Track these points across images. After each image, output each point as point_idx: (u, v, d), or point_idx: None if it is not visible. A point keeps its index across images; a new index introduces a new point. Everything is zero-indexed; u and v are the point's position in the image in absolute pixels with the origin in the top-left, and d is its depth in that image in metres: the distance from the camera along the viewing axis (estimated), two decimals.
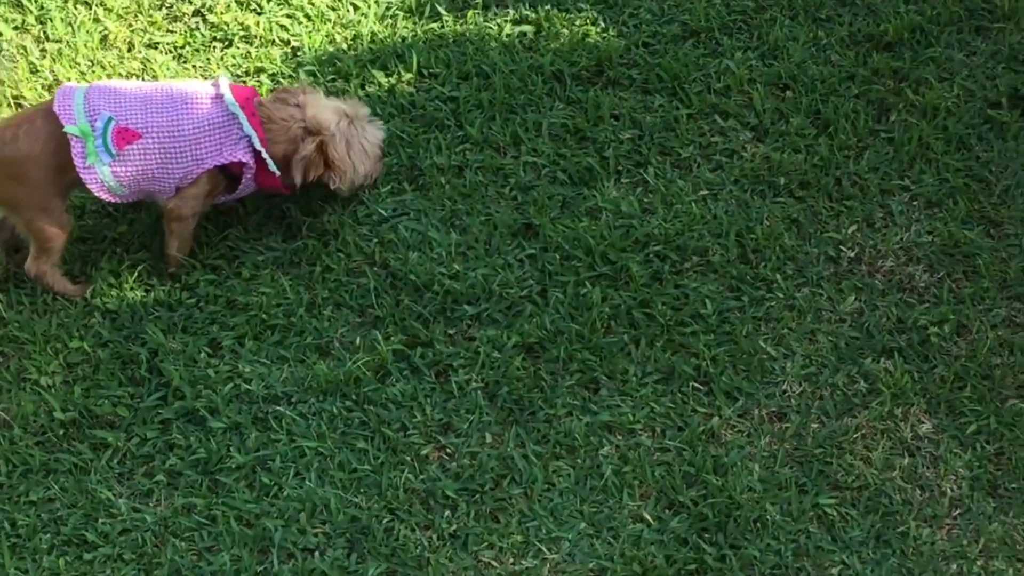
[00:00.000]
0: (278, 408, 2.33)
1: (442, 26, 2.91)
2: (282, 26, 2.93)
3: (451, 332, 2.41)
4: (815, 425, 2.26)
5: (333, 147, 2.50)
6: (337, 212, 2.59)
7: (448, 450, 2.28)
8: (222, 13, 2.96)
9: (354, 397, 2.33)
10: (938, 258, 2.46)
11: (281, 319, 2.44)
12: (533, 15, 2.94)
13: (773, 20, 2.91)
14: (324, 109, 2.52)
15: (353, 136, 2.54)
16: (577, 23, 2.92)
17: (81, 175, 2.41)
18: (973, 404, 2.24)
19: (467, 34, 2.90)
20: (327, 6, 2.97)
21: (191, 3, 2.99)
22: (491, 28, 2.92)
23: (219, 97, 2.45)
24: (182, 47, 2.91)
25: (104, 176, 2.42)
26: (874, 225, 2.54)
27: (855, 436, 2.24)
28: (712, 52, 2.87)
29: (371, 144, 2.58)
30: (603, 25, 2.92)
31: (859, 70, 2.79)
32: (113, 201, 2.48)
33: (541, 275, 2.48)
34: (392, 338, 2.39)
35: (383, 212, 2.59)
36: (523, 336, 2.38)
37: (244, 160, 2.46)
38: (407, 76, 2.82)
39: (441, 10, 2.94)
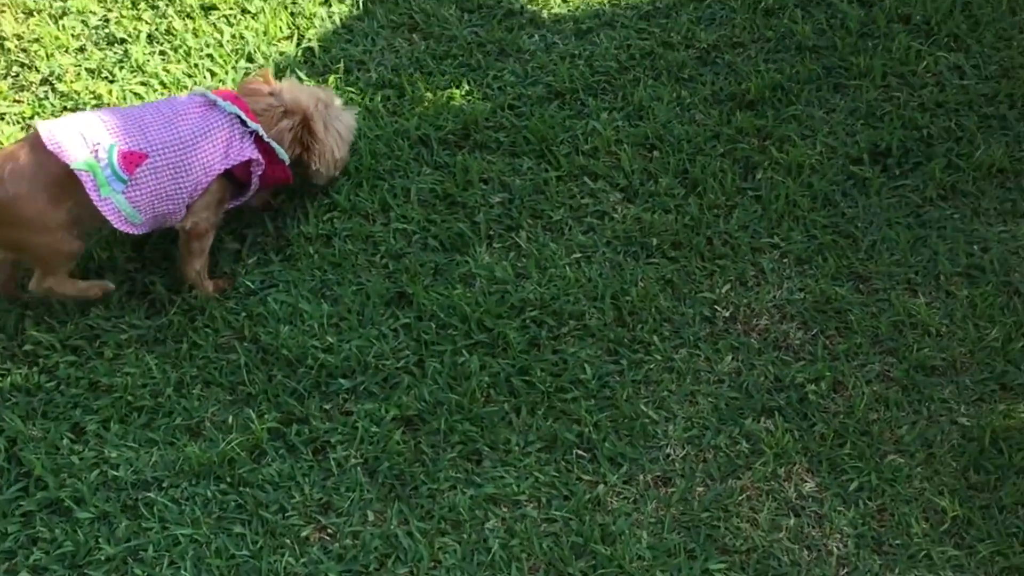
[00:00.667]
0: (148, 494, 2.27)
1: None
2: (136, 94, 2.90)
3: (327, 407, 2.40)
4: (700, 488, 2.31)
5: (315, 124, 2.59)
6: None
7: (329, 530, 2.26)
8: (72, 82, 2.91)
9: (229, 479, 2.29)
10: (811, 315, 2.55)
11: (148, 400, 2.39)
12: (396, 79, 2.97)
13: (637, 80, 3.00)
14: (301, 91, 2.61)
15: (329, 119, 2.63)
16: (441, 86, 2.96)
17: (100, 208, 2.39)
18: (854, 461, 2.32)
19: None
20: (183, 73, 2.95)
21: (38, 71, 2.94)
22: (353, 92, 2.94)
23: (211, 103, 2.49)
24: (30, 117, 2.85)
25: (121, 205, 2.41)
26: (747, 283, 2.62)
27: (740, 498, 2.30)
28: (578, 113, 2.94)
29: (345, 128, 2.68)
30: (468, 88, 2.97)
31: (724, 129, 2.89)
32: (133, 232, 2.46)
33: (417, 345, 2.49)
34: (266, 416, 2.37)
35: (251, 284, 2.57)
36: (401, 408, 2.38)
37: (254, 157, 2.51)
38: None
39: (302, 75, 2.95)
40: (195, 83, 2.92)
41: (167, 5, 3.13)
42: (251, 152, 2.51)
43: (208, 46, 3.03)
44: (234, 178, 2.54)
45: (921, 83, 2.97)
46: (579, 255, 2.66)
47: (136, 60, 2.98)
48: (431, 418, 2.38)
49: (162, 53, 3.02)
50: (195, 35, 3.05)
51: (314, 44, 3.05)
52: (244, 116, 2.50)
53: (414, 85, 2.95)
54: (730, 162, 2.83)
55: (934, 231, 2.68)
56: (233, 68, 2.96)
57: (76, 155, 2.35)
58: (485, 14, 3.15)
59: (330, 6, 3.15)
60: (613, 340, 2.51)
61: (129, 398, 2.39)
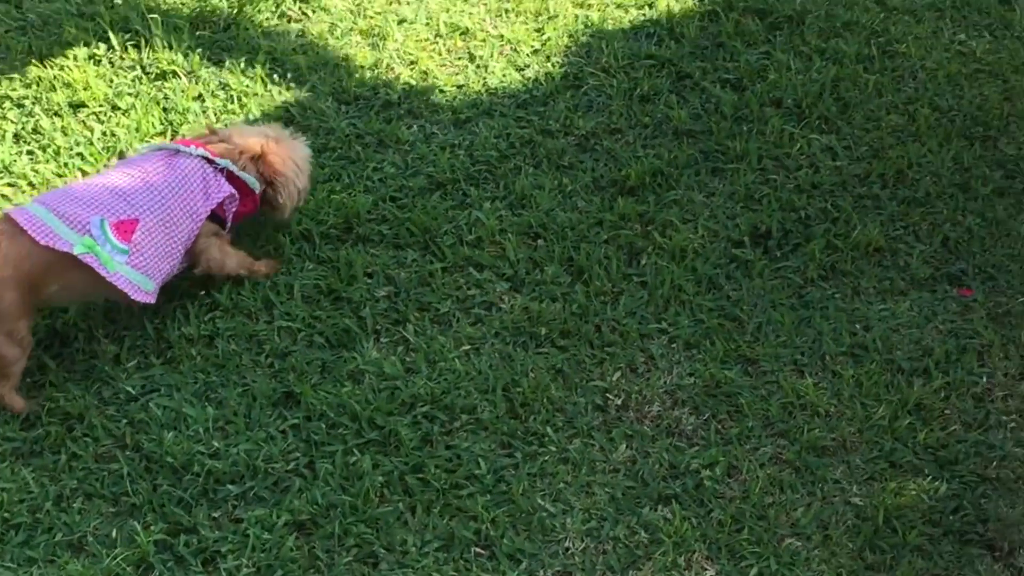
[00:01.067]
0: None
1: None
2: (3, 196, 2.84)
3: (216, 515, 2.35)
4: None
5: (272, 158, 2.66)
6: (80, 394, 2.51)
7: None
8: None
9: None
10: (702, 400, 2.60)
11: (26, 516, 2.31)
12: None
13: (518, 169, 3.05)
14: (249, 132, 2.70)
15: (284, 152, 2.70)
16: (321, 180, 2.96)
17: (115, 285, 2.42)
18: (752, 546, 2.36)
19: None
20: (52, 173, 2.90)
21: None
22: None
23: (174, 152, 2.56)
24: None
25: (131, 275, 2.44)
26: (637, 370, 2.66)
27: None
28: (461, 203, 2.97)
29: (301, 159, 2.74)
30: (348, 181, 2.98)
31: (606, 215, 2.94)
32: (149, 301, 2.49)
33: (307, 446, 2.46)
34: (152, 527, 2.31)
35: (131, 390, 2.52)
36: (293, 513, 2.35)
37: (228, 192, 2.58)
38: None
39: None
40: (65, 183, 2.88)
41: (33, 103, 3.08)
42: (228, 188, 2.59)
43: (78, 144, 2.99)
44: (213, 215, 2.61)
45: (796, 165, 3.08)
46: (468, 347, 2.67)
47: (2, 160, 2.93)
48: (324, 521, 2.35)
49: (30, 152, 2.97)
50: (64, 133, 3.01)
51: None
52: (211, 156, 2.58)
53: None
54: (614, 248, 2.88)
55: (817, 311, 2.77)
56: (105, 166, 2.92)
57: (70, 239, 2.38)
58: (362, 106, 3.18)
59: (203, 101, 3.14)
60: (506, 433, 2.52)
61: (5, 515, 2.31)
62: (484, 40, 3.36)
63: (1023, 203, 3.02)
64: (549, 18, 3.43)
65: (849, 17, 3.48)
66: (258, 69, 3.21)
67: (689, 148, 3.10)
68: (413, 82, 3.24)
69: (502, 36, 3.37)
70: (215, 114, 3.10)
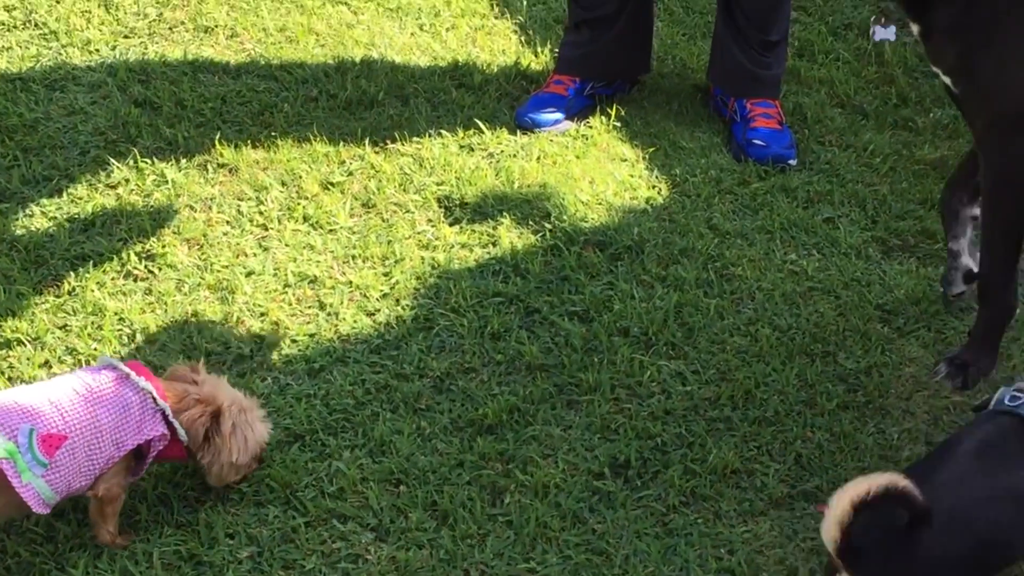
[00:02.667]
0: None
1: None
2: None
3: None
4: None
5: (223, 421, 2.68)
6: None
7: None
8: None
9: None
10: None
11: None
12: None
13: (375, 415, 3.10)
14: (221, 388, 2.75)
15: (240, 424, 2.72)
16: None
17: (22, 494, 2.43)
18: None
19: None
20: None
21: None
22: None
23: (124, 377, 2.60)
24: None
25: (41, 489, 2.46)
26: None
27: None
28: (320, 455, 2.99)
29: (254, 438, 2.76)
30: None
31: (467, 456, 3.00)
32: (45, 512, 2.52)
33: None
34: None
35: None
36: None
37: (159, 432, 2.61)
38: None
39: None
40: None
41: None
42: (160, 428, 2.63)
43: None
44: (137, 449, 2.63)
45: (648, 392, 3.20)
46: None
47: None
48: None
49: None
50: None
51: None
52: (155, 393, 2.63)
53: None
54: (477, 489, 2.93)
55: (682, 538, 2.84)
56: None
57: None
58: (214, 361, 3.21)
59: (51, 367, 3.14)
60: None
61: None
62: (333, 287, 3.45)
63: (866, 416, 3.18)
64: (396, 262, 3.54)
65: (685, 244, 3.67)
66: (106, 331, 3.23)
67: (543, 383, 3.20)
68: (264, 334, 3.30)
69: (351, 282, 3.47)
70: None
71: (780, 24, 4.22)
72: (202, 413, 2.69)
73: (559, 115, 4.18)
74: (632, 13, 4.22)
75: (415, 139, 4.02)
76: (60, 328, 3.26)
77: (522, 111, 4.18)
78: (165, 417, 2.67)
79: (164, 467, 2.87)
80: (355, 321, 3.36)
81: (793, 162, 4.10)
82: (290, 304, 3.41)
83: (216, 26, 4.51)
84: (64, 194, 3.71)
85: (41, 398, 2.54)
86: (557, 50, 4.41)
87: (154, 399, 2.64)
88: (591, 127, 4.18)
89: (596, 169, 3.97)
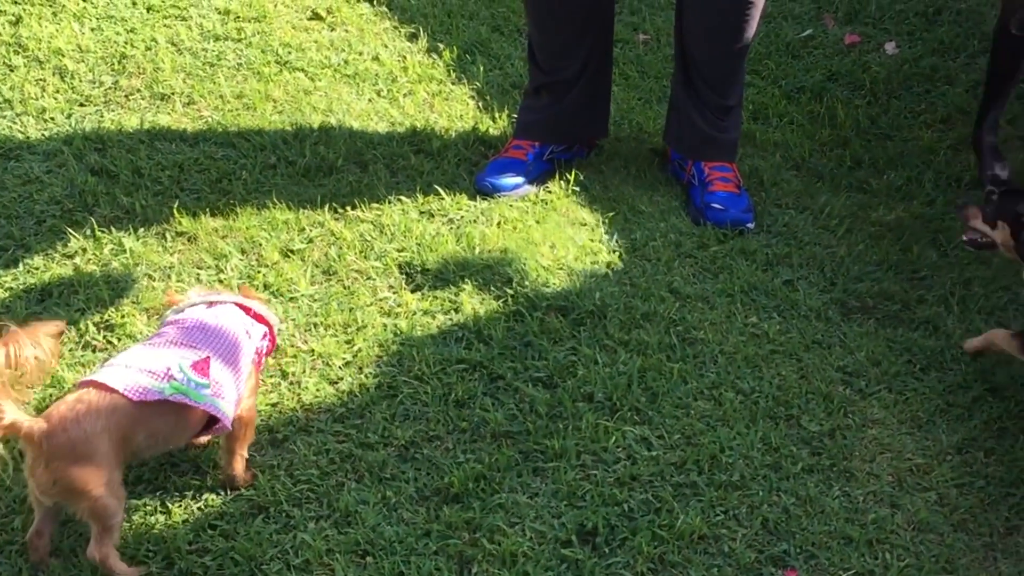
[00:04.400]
0: None
1: None
2: None
3: None
4: None
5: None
6: None
7: None
8: None
9: None
10: None
11: None
12: None
13: (341, 485, 3.09)
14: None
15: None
16: (137, 516, 2.94)
17: (209, 412, 2.87)
18: None
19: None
20: None
21: None
22: None
23: (218, 303, 3.07)
24: None
25: (221, 406, 2.88)
26: None
27: None
28: (285, 526, 2.98)
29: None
30: (166, 511, 2.96)
31: (434, 526, 3.00)
32: (229, 427, 2.94)
33: None
34: None
35: None
36: None
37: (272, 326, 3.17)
38: None
39: None
40: None
41: None
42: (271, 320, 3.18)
43: None
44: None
45: (614, 458, 3.21)
46: None
47: None
48: None
49: None
50: None
51: None
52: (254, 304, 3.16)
53: None
54: (444, 559, 2.92)
55: None
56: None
57: (160, 388, 2.78)
58: None
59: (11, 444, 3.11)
60: None
61: None
62: (295, 356, 3.45)
63: (831, 479, 3.21)
64: (358, 329, 3.55)
65: (647, 308, 3.71)
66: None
67: (508, 450, 3.21)
68: None
69: (312, 350, 3.47)
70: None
71: (736, 88, 4.30)
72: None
73: (519, 179, 4.22)
74: (591, 78, 4.29)
75: (375, 205, 4.03)
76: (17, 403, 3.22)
77: (482, 176, 4.21)
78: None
79: (127, 541, 2.85)
80: (318, 390, 3.35)
81: (751, 225, 4.16)
82: None
83: (172, 93, 4.52)
84: (20, 264, 3.70)
85: (168, 345, 2.91)
86: (516, 115, 4.46)
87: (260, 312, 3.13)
88: (550, 192, 4.22)
89: (556, 234, 4.01)
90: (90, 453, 2.69)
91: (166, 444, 2.94)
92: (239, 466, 3.03)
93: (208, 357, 2.89)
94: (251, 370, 3.05)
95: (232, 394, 2.94)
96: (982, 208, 3.63)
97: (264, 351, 3.15)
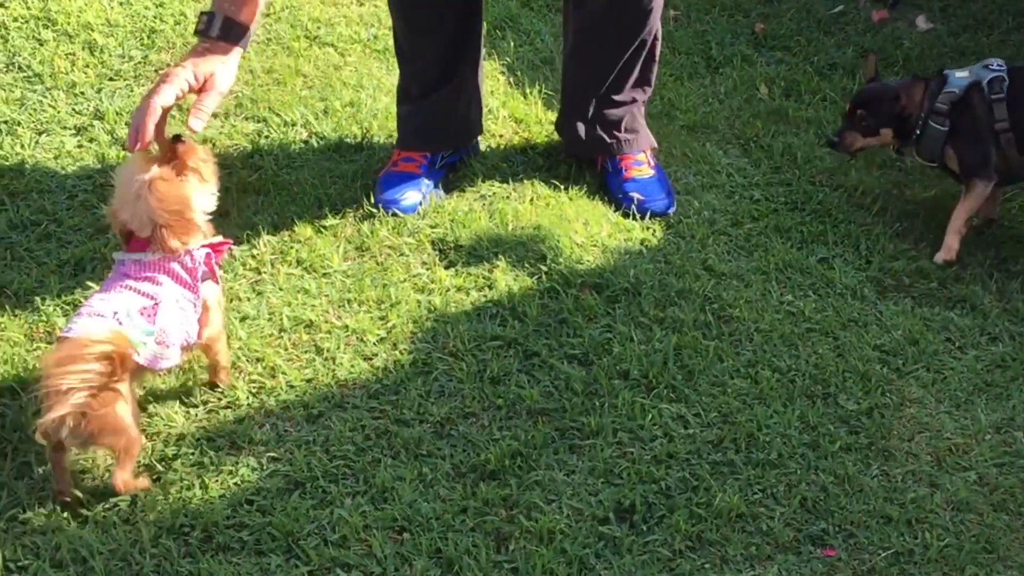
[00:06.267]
0: None
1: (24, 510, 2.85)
2: None
3: None
4: None
5: None
6: None
7: None
8: None
9: None
10: None
11: None
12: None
13: (377, 461, 3.09)
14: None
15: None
16: (175, 490, 2.94)
17: (143, 362, 2.93)
18: None
19: (54, 517, 2.85)
20: None
21: None
22: (82, 506, 2.88)
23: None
24: None
25: (157, 351, 2.96)
26: None
27: None
28: (321, 502, 2.98)
29: None
30: (203, 487, 2.96)
31: (470, 502, 2.99)
32: (170, 366, 3.07)
33: None
34: None
35: None
36: None
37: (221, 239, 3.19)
38: None
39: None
40: None
41: None
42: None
43: None
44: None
45: (651, 436, 3.20)
46: None
47: None
48: None
49: None
50: None
51: None
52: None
53: (146, 491, 2.92)
54: (482, 536, 2.92)
55: None
56: None
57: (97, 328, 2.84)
58: (211, 408, 3.19)
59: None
60: None
61: None
62: (329, 332, 3.44)
63: (870, 458, 3.20)
64: (392, 305, 3.54)
65: (682, 286, 3.69)
66: None
67: (545, 427, 3.20)
68: (261, 380, 3.28)
69: (347, 326, 3.46)
70: None
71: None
72: None
73: (419, 197, 3.96)
74: (456, 66, 4.02)
75: None
76: None
77: (378, 195, 3.95)
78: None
79: (158, 511, 2.86)
80: (352, 366, 3.35)
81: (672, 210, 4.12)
82: (286, 349, 3.39)
83: None
84: (53, 239, 3.70)
85: (118, 289, 2.97)
86: (546, 90, 4.43)
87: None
88: (583, 168, 4.20)
89: (590, 210, 3.99)
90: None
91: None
92: (223, 376, 3.24)
93: (157, 302, 2.95)
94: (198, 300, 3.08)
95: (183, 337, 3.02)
96: (854, 128, 4.16)
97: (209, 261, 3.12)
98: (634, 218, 4.00)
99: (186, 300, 3.03)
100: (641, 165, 4.14)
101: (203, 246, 3.08)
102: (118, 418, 2.80)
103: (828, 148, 4.32)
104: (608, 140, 4.12)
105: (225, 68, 3.19)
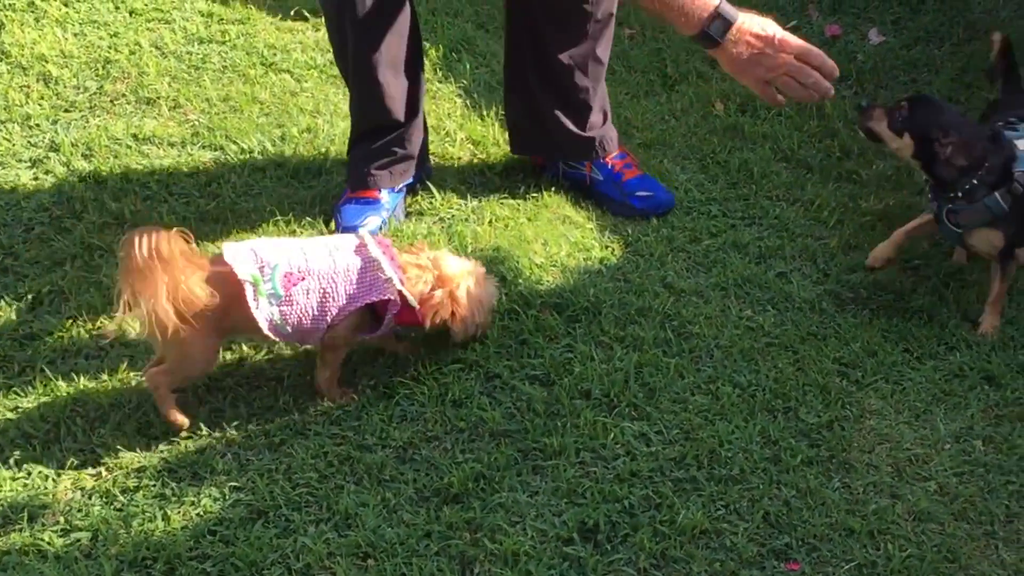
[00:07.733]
0: None
1: None
2: None
3: None
4: None
5: (458, 297, 3.26)
6: None
7: None
8: None
9: None
10: None
11: None
12: (83, 522, 2.92)
13: (340, 488, 3.08)
14: (453, 264, 3.29)
15: (474, 290, 3.30)
16: (135, 522, 2.92)
17: (254, 315, 3.06)
18: None
19: (13, 554, 2.82)
20: None
21: None
22: (42, 541, 2.86)
23: (363, 246, 3.20)
24: None
25: (273, 316, 3.09)
26: None
27: None
28: (284, 530, 2.96)
29: (488, 298, 3.36)
30: (165, 518, 2.94)
31: (434, 527, 2.99)
32: (276, 340, 3.20)
33: None
34: None
35: None
36: None
37: (392, 298, 3.18)
38: None
39: None
40: None
41: None
42: (391, 293, 3.17)
43: None
44: (374, 312, 3.23)
45: (613, 455, 3.21)
46: None
47: None
48: None
49: None
50: None
51: None
52: (386, 263, 3.17)
53: (108, 523, 2.91)
54: (446, 560, 2.91)
55: None
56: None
57: (246, 268, 3.02)
58: (172, 439, 3.17)
59: (3, 450, 3.09)
60: None
61: None
62: (290, 359, 3.43)
63: (831, 471, 3.21)
64: None
65: (642, 304, 3.70)
66: (57, 411, 3.19)
67: (507, 448, 3.20)
68: (221, 408, 3.27)
69: (308, 352, 3.45)
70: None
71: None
72: (444, 294, 3.24)
73: (379, 220, 3.96)
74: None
75: None
76: (11, 410, 3.21)
77: (339, 220, 3.96)
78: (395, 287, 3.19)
79: (119, 545, 2.84)
80: (313, 393, 3.34)
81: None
82: (247, 377, 3.38)
83: (158, 97, 4.50)
84: (10, 272, 3.68)
85: (296, 245, 3.16)
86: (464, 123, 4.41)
87: (382, 268, 3.17)
88: (540, 189, 4.21)
89: (549, 231, 4.00)
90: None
91: (239, 332, 3.26)
92: (320, 378, 3.29)
93: (303, 277, 3.10)
94: (357, 315, 3.19)
95: (303, 321, 3.13)
96: (889, 114, 3.76)
97: (391, 314, 3.22)
98: (594, 238, 4.02)
99: (341, 294, 3.16)
100: (630, 166, 4.22)
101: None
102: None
103: (855, 110, 4.24)
104: (584, 136, 4.16)
105: None
